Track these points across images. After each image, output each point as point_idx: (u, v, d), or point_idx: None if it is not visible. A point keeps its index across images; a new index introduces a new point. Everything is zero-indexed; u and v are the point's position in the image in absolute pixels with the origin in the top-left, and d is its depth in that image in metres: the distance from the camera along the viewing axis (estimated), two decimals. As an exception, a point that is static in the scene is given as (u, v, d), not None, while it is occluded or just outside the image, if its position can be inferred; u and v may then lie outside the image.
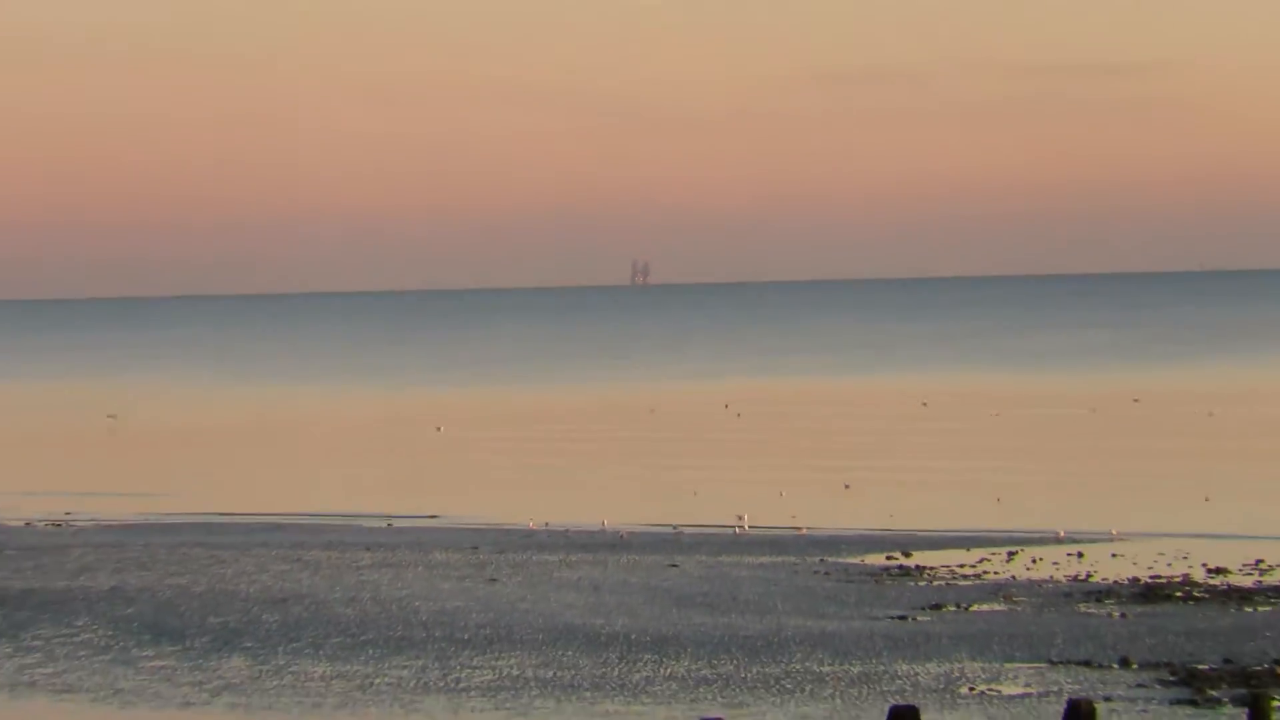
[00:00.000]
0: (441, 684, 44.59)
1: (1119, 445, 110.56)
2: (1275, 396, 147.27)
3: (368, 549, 68.22)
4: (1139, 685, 41.68)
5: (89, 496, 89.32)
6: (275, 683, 45.31)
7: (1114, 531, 67.34)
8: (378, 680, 45.11)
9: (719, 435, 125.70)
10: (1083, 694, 36.59)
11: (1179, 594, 55.11)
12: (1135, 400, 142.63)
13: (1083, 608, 53.30)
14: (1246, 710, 33.63)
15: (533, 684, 43.85)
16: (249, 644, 50.13)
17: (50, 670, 47.56)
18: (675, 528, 72.96)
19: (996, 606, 54.49)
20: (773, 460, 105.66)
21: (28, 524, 79.01)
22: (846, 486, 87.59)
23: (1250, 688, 37.79)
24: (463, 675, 45.44)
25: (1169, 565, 60.11)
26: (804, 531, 70.76)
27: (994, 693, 41.49)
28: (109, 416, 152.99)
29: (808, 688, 42.73)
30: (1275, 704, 34.25)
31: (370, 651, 48.67)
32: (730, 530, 72.21)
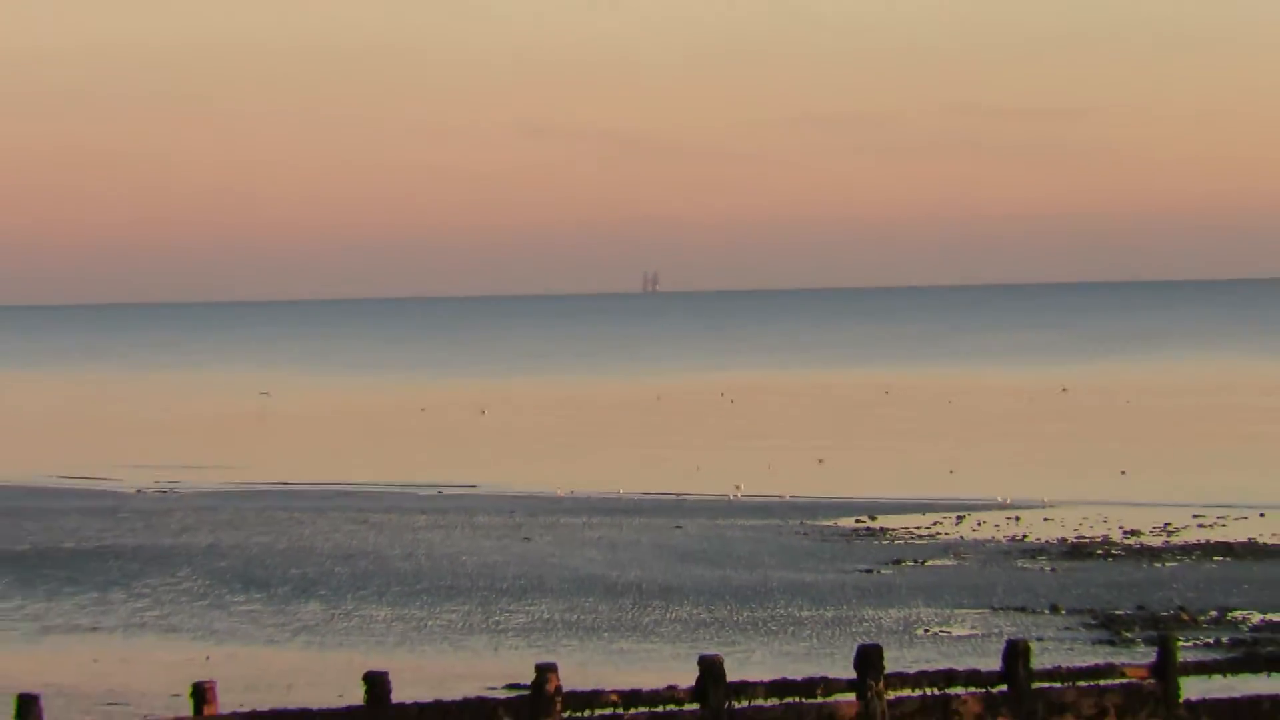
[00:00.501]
0: (484, 626, 44.99)
1: (1050, 428, 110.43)
2: (1180, 388, 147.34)
3: (422, 513, 68.44)
4: (1066, 628, 42.10)
5: (193, 469, 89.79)
6: (344, 624, 45.71)
7: (1045, 499, 67.35)
8: (430, 623, 45.54)
9: (716, 419, 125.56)
10: (1019, 635, 36.63)
11: (1099, 552, 55.24)
12: (1064, 390, 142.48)
13: (1019, 563, 53.47)
14: (1156, 649, 33.84)
15: (560, 626, 44.33)
16: (323, 592, 50.47)
17: (157, 613, 47.93)
18: (679, 495, 72.86)
19: (947, 562, 54.65)
20: (761, 439, 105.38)
21: (139, 491, 79.07)
22: (820, 461, 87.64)
23: (1159, 630, 37.97)
24: (501, 618, 45.82)
25: (1091, 528, 60.39)
26: (787, 498, 70.83)
27: (945, 634, 41.93)
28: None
29: (789, 629, 43.13)
30: (1180, 644, 34.61)
31: (424, 598, 49.03)
32: (726, 497, 72.33)
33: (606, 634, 43.35)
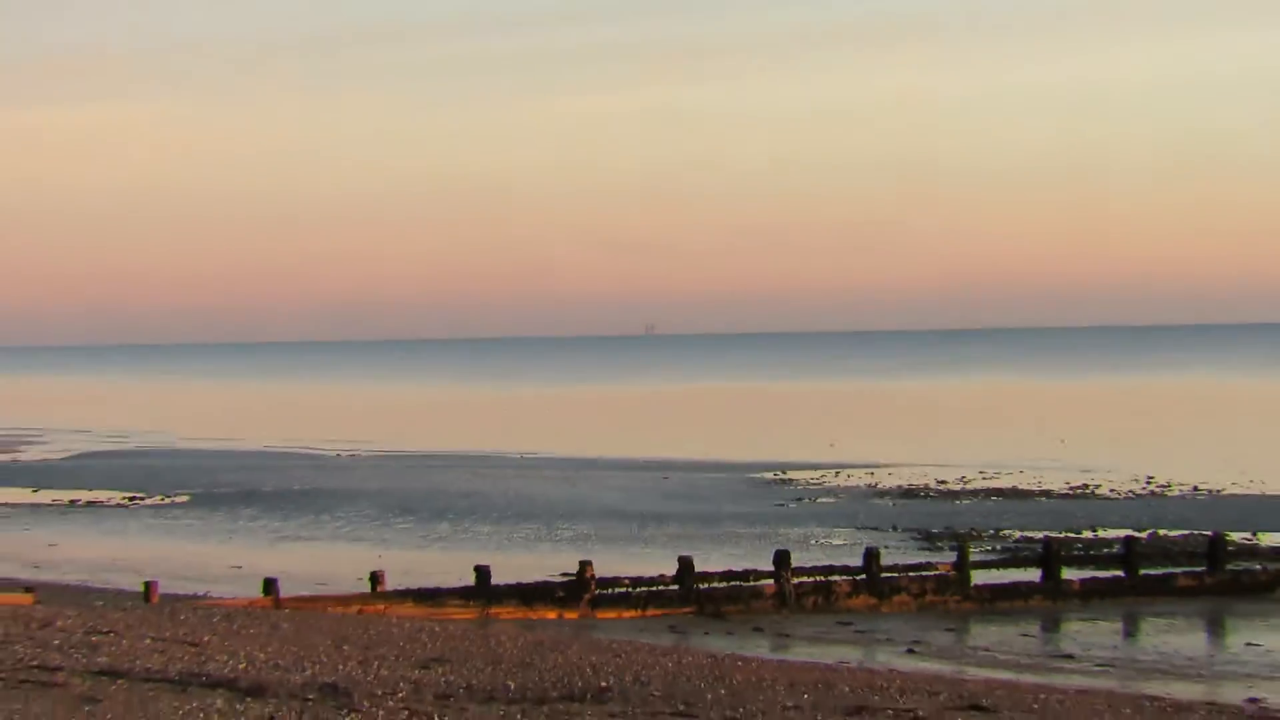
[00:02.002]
0: (547, 537, 45.09)
1: (899, 420, 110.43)
2: (970, 396, 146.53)
3: (510, 469, 68.23)
4: (901, 540, 41.96)
5: (371, 440, 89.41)
6: (463, 536, 45.85)
7: (890, 462, 67.29)
8: (514, 535, 45.65)
9: (694, 411, 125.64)
10: (873, 544, 36.46)
11: (921, 494, 55.03)
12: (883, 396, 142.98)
13: (873, 501, 53.12)
14: (956, 553, 34.04)
15: (593, 538, 44.31)
16: (449, 516, 50.31)
17: (348, 529, 48.42)
18: (665, 459, 71.93)
19: (829, 500, 54.19)
20: (724, 425, 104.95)
21: (337, 455, 78.97)
22: (748, 436, 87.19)
23: (958, 541, 38.03)
24: (557, 533, 45.88)
25: (917, 479, 59.92)
26: (734, 460, 70.18)
27: (827, 543, 41.88)
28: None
29: (733, 540, 43.12)
30: (970, 550, 34.74)
31: (511, 521, 48.91)
32: (695, 459, 71.43)
33: (621, 543, 43.36)
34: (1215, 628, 30.60)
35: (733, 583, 32.44)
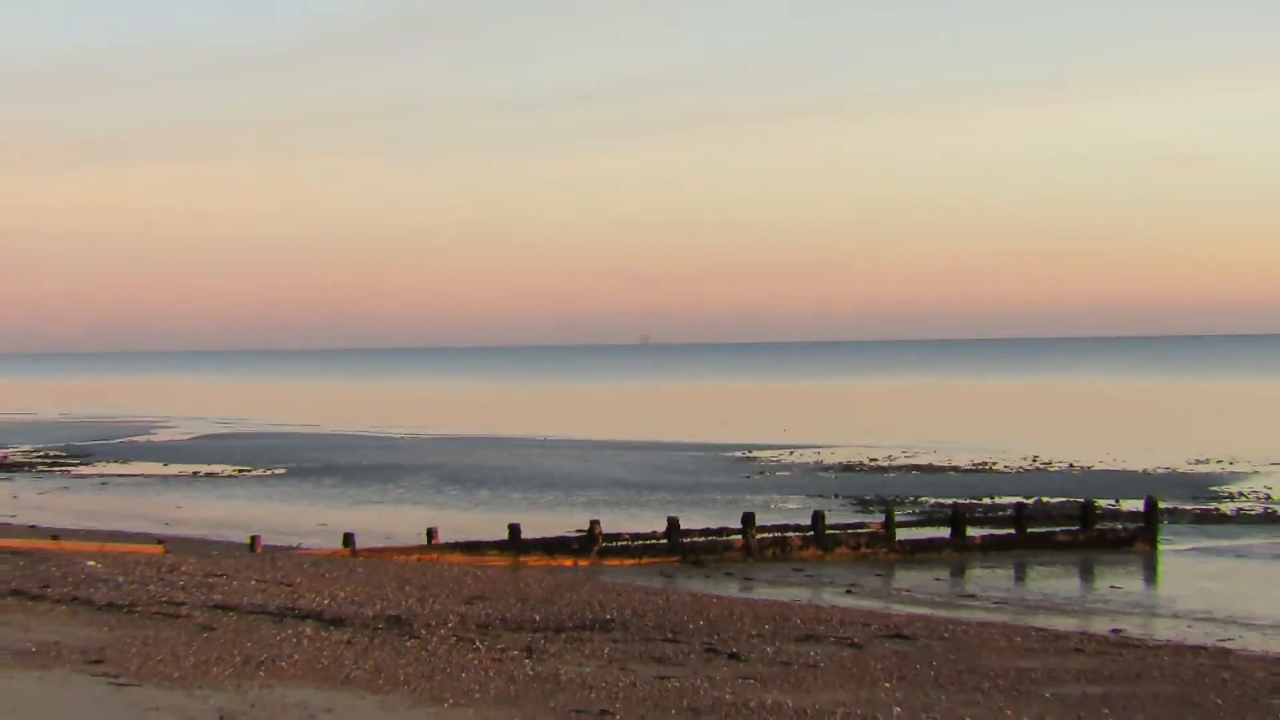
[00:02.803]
0: (564, 501, 44.86)
1: (840, 409, 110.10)
2: (902, 392, 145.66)
3: (537, 449, 67.78)
4: (842, 505, 41.79)
5: (428, 425, 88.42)
6: (500, 501, 45.58)
7: (832, 443, 66.96)
8: (539, 500, 45.39)
9: (680, 404, 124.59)
10: (819, 508, 36.26)
11: (858, 468, 54.75)
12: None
13: (819, 474, 52.91)
14: (884, 515, 33.98)
15: (602, 502, 44.02)
16: (489, 485, 50.13)
17: (409, 495, 47.89)
18: (658, 439, 71.58)
19: (785, 473, 53.94)
20: (704, 415, 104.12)
21: (401, 437, 78.32)
22: (720, 423, 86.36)
23: (886, 506, 37.92)
24: (572, 498, 45.63)
25: (855, 457, 59.59)
26: (710, 441, 69.80)
27: (784, 507, 41.56)
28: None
29: (710, 504, 42.92)
30: (896, 512, 34.67)
31: (537, 489, 48.59)
32: (681, 440, 71.01)
33: (623, 506, 43.17)
34: (1086, 574, 30.50)
35: (709, 538, 32.41)
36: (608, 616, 20.18)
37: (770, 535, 32.49)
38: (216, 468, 59.46)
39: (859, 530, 32.93)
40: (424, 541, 31.24)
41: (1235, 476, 49.75)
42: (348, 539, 30.66)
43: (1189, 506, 40.11)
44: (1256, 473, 51.06)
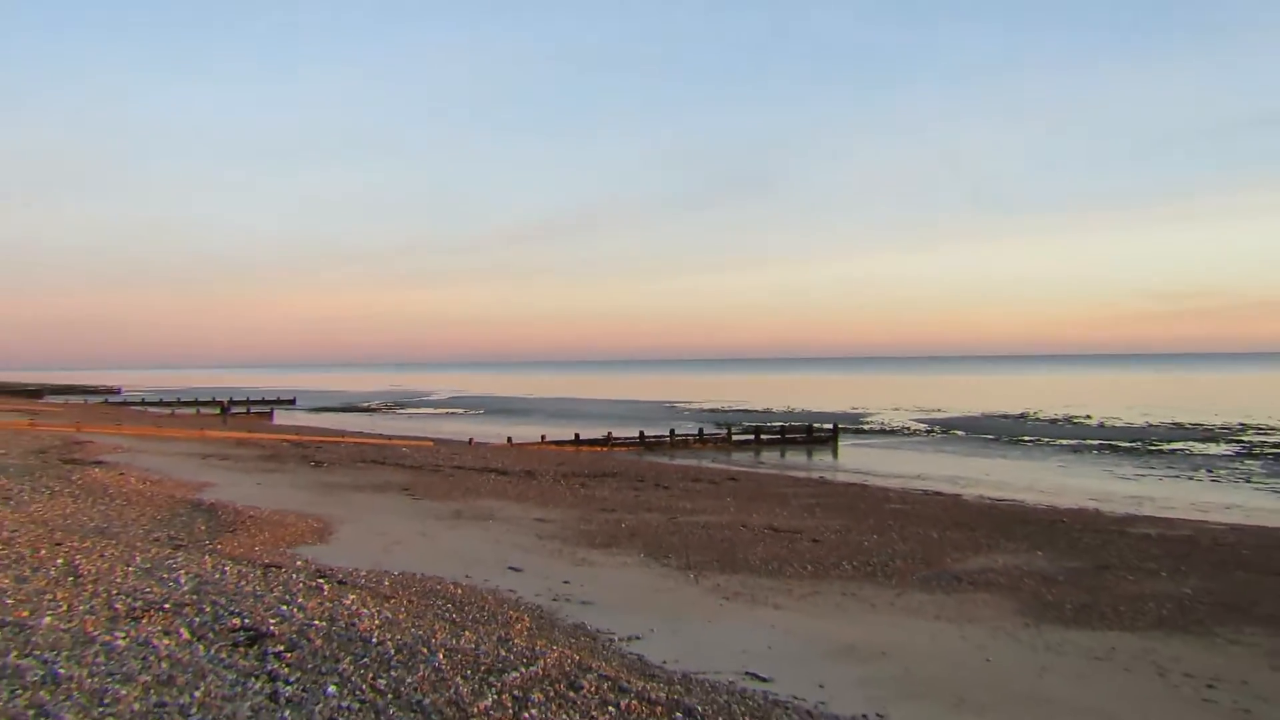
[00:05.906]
0: (599, 423, 40.34)
1: (733, 387, 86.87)
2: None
3: (576, 403, 60.63)
4: (711, 427, 37.96)
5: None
6: (568, 423, 37.45)
7: (723, 403, 56.90)
8: (586, 424, 38.64)
9: (655, 387, 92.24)
10: (701, 426, 32.88)
11: (725, 411, 50.48)
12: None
13: (713, 414, 48.84)
14: (727, 430, 31.13)
15: (613, 421, 40.38)
16: (561, 418, 42.12)
17: (530, 422, 41.79)
18: (638, 400, 63.89)
19: (689, 412, 50.41)
20: (654, 392, 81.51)
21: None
22: (671, 393, 69.88)
23: (728, 427, 34.29)
24: (600, 421, 40.99)
25: (728, 407, 54.02)
26: (659, 400, 62.84)
27: (692, 425, 38.16)
28: None
29: (660, 424, 39.17)
30: (733, 430, 31.21)
31: (582, 420, 41.83)
32: (649, 399, 63.26)
33: (621, 423, 37.09)
34: (808, 454, 27.43)
35: (657, 435, 31.70)
36: (615, 471, 19.97)
37: (684, 437, 32.19)
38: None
39: (717, 436, 32.65)
40: (539, 441, 30.27)
41: (871, 414, 47.96)
42: (509, 441, 29.51)
43: (852, 427, 39.19)
44: (880, 412, 49.01)
